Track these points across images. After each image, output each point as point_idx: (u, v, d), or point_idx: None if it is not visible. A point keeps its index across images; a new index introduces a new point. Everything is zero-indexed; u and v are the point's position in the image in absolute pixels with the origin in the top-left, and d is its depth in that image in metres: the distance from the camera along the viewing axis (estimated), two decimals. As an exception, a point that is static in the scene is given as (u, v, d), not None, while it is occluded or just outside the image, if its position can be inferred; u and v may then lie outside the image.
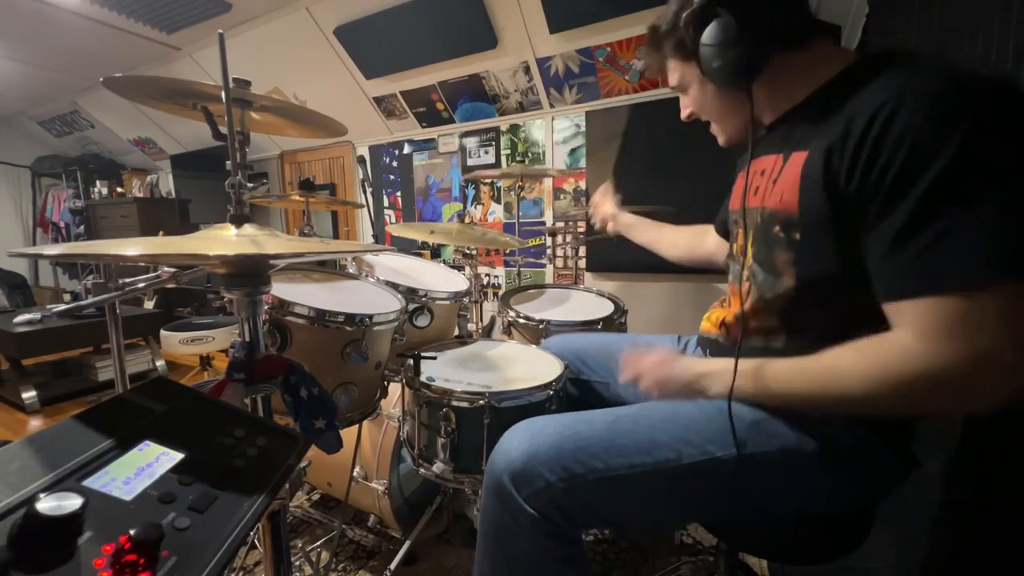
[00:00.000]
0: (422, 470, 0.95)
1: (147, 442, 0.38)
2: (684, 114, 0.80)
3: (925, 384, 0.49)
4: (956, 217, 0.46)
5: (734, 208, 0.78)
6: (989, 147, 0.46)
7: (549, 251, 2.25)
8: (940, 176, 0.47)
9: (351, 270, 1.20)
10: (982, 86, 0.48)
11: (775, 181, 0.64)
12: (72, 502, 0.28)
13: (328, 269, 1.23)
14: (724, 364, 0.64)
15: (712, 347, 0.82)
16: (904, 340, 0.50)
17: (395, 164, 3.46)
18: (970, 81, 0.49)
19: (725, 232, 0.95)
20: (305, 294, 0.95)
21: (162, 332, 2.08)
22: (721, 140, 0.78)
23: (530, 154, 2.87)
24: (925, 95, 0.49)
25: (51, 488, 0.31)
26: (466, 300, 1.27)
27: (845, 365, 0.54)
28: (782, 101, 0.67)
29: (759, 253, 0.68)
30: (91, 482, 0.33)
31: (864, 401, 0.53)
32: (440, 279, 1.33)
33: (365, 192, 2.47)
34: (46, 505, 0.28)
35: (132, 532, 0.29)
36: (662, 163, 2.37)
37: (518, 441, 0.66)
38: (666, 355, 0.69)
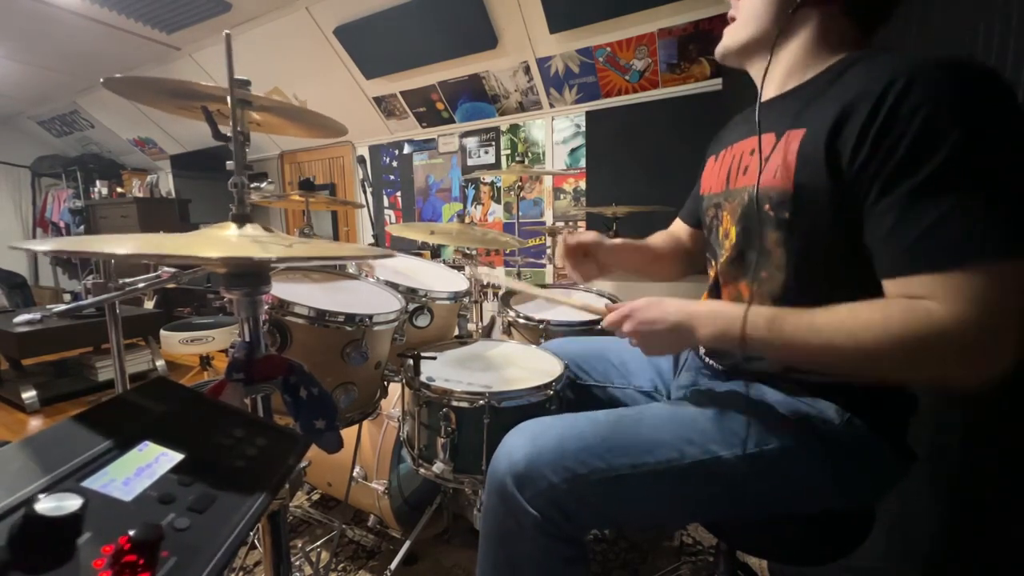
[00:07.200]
0: (422, 470, 0.95)
1: (147, 442, 0.38)
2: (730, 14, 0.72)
3: (940, 348, 0.48)
4: (969, 193, 0.47)
5: (716, 191, 0.76)
6: (1004, 126, 0.47)
7: (549, 251, 2.25)
8: (953, 151, 0.47)
9: (351, 270, 1.20)
10: (992, 71, 0.50)
11: (767, 159, 0.63)
12: (71, 503, 0.28)
13: (328, 269, 1.22)
14: (713, 306, 0.64)
15: None
16: (929, 305, 0.49)
17: (395, 164, 3.46)
18: (980, 65, 0.50)
19: (697, 221, 0.92)
20: (305, 294, 0.95)
21: (162, 332, 2.08)
22: (727, 43, 0.71)
23: (530, 154, 2.87)
24: (939, 70, 0.49)
25: (50, 489, 0.31)
26: (466, 300, 1.27)
27: (860, 320, 0.52)
28: (794, 73, 0.66)
29: (745, 233, 0.68)
30: (91, 483, 0.33)
31: (872, 359, 0.51)
32: (440, 279, 1.33)
33: (365, 192, 2.47)
34: (45, 506, 0.28)
35: (132, 533, 0.29)
36: (662, 163, 2.37)
37: (521, 442, 0.66)
38: (654, 298, 0.68)
